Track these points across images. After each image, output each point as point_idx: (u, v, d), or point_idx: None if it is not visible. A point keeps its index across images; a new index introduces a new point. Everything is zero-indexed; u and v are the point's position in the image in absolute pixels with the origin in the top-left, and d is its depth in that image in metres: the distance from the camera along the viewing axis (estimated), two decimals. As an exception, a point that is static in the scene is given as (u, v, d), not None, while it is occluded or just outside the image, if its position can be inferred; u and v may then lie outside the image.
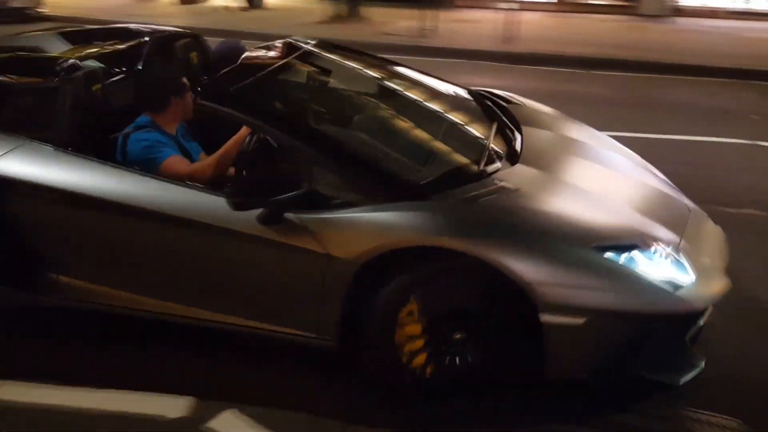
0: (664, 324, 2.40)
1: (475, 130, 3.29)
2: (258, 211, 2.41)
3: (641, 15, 15.74)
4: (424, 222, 2.40)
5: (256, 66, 3.04)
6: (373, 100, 3.50)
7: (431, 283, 2.42)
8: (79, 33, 3.94)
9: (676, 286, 2.36)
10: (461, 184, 2.63)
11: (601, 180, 3.07)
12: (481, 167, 2.77)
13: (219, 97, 2.69)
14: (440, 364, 2.48)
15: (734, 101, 7.77)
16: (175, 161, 2.81)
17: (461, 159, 2.97)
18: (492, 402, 2.51)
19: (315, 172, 2.54)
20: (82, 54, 3.29)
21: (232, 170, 2.84)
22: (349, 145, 2.86)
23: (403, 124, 3.28)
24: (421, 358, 2.47)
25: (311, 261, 2.41)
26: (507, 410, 2.49)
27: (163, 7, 15.57)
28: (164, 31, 3.98)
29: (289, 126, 2.73)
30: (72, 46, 3.58)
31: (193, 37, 3.86)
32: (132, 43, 3.60)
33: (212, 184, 2.69)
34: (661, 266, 2.40)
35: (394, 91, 3.61)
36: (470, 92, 3.83)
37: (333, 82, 3.52)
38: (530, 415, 2.47)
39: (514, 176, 2.76)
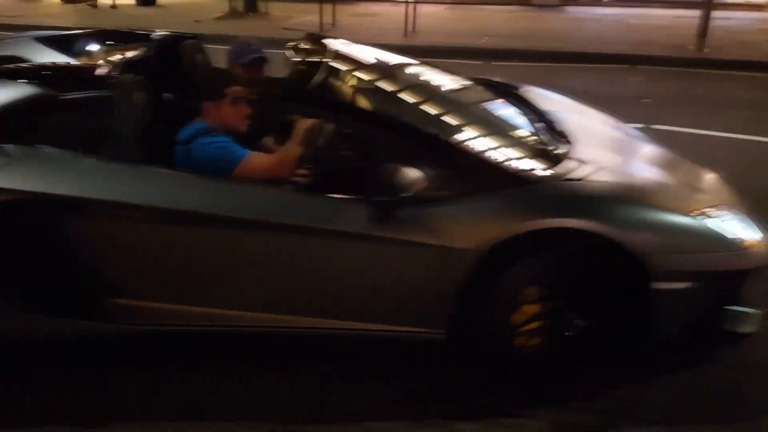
0: (744, 278, 2.54)
1: (524, 116, 3.33)
2: (364, 209, 2.39)
3: (533, 5, 16.26)
4: (542, 205, 2.44)
5: (312, 64, 2.89)
6: (424, 93, 3.34)
7: (551, 264, 2.47)
8: (57, 38, 3.63)
9: (753, 243, 2.54)
10: (551, 167, 2.66)
11: (645, 153, 3.25)
12: (558, 150, 2.85)
13: (301, 97, 2.63)
14: (554, 342, 2.56)
15: (625, 86, 8.14)
16: (258, 156, 2.67)
17: (534, 144, 2.98)
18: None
19: (419, 166, 2.51)
20: (97, 61, 3.04)
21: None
22: (446, 136, 2.77)
23: (462, 114, 3.18)
24: (535, 338, 2.54)
25: (427, 255, 2.38)
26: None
27: (47, 8, 14.65)
28: (146, 34, 3.68)
29: (386, 122, 2.71)
30: (58, 52, 3.33)
31: (196, 39, 3.58)
32: (135, 47, 3.31)
33: (271, 182, 2.60)
34: (737, 226, 2.57)
35: (431, 83, 3.50)
36: (479, 80, 3.86)
37: (375, 78, 3.35)
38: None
39: (585, 155, 2.81)
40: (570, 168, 2.66)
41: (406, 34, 10.88)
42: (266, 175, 2.60)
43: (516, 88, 3.92)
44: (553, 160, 2.75)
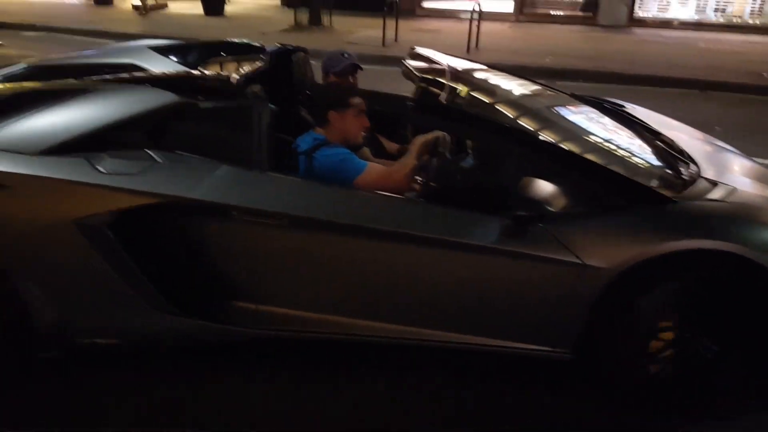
0: None
1: (643, 134, 3.30)
2: (497, 223, 2.38)
3: (599, 25, 15.97)
4: (683, 225, 2.36)
5: (431, 79, 2.98)
6: (547, 110, 3.32)
7: (692, 288, 2.37)
8: (171, 47, 3.78)
9: None
10: (685, 187, 2.63)
11: (762, 174, 3.11)
12: (691, 169, 2.84)
13: (439, 110, 2.69)
14: (685, 368, 2.45)
15: (696, 113, 7.86)
16: (376, 168, 2.73)
17: (664, 163, 2.95)
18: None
19: (555, 181, 2.53)
20: (220, 72, 3.20)
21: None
22: (582, 152, 2.72)
23: (590, 131, 3.11)
24: (666, 364, 2.46)
25: (561, 272, 2.33)
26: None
27: (119, 14, 15.18)
28: (257, 46, 3.82)
29: (523, 137, 2.69)
30: (173, 61, 3.43)
31: (305, 52, 3.69)
32: (250, 59, 3.44)
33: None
34: None
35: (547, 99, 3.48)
36: (587, 99, 3.77)
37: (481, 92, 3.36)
38: None
39: (715, 175, 2.77)
40: (705, 188, 2.63)
41: (468, 50, 10.80)
42: (384, 187, 2.61)
43: (623, 106, 3.83)
44: (686, 179, 2.72)
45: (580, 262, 2.30)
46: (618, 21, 16.15)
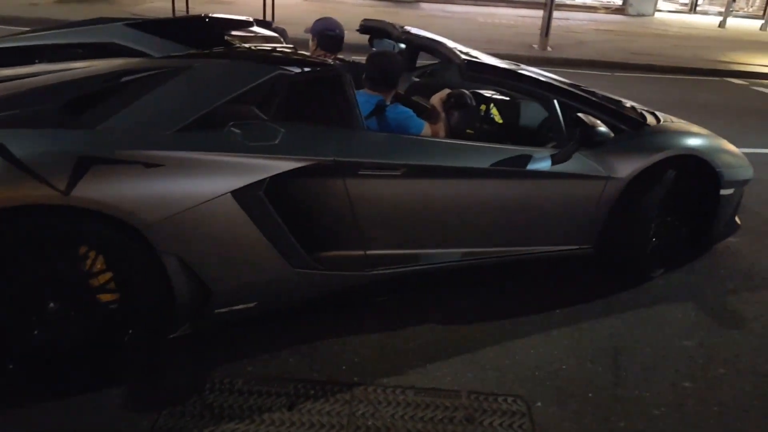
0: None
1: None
2: (546, 153, 2.97)
3: (392, 0, 16.59)
4: (663, 142, 3.27)
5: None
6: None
7: (670, 185, 3.25)
8: (151, 23, 3.38)
9: None
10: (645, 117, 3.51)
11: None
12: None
13: (476, 71, 3.08)
14: (664, 244, 3.41)
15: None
16: (427, 125, 3.07)
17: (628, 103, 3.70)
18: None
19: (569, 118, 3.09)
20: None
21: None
22: (593, 95, 3.42)
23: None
24: (653, 242, 3.37)
25: (595, 184, 3.06)
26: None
27: None
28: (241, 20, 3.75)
29: (543, 85, 3.21)
30: (154, 36, 3.22)
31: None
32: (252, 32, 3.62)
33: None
34: None
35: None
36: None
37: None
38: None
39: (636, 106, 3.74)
40: (657, 117, 3.57)
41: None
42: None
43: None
44: (642, 111, 3.63)
45: (607, 175, 3.05)
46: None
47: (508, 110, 3.62)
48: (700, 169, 3.32)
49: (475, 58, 3.20)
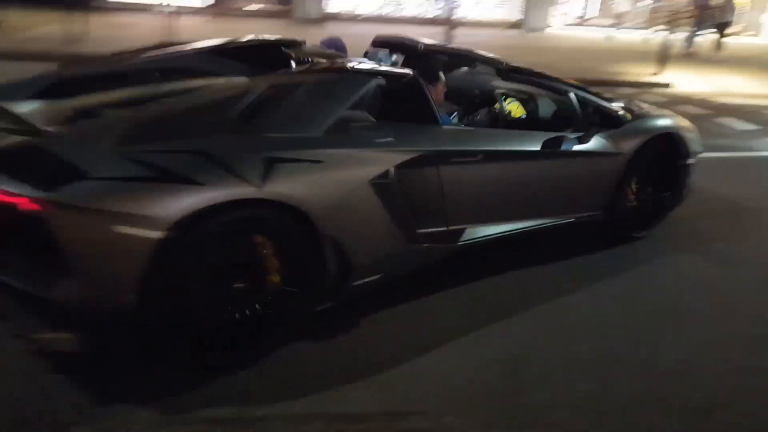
0: None
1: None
2: (572, 137, 3.68)
3: (295, 19, 16.66)
4: (651, 124, 4.16)
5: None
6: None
7: (650, 157, 4.09)
8: (218, 49, 3.62)
9: None
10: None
11: None
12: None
13: (516, 74, 3.80)
14: (644, 205, 4.25)
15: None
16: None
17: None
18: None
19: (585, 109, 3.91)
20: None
21: None
22: (590, 91, 4.08)
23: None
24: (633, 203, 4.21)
25: (610, 160, 3.86)
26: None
27: None
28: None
29: (563, 83, 3.92)
30: (225, 60, 3.52)
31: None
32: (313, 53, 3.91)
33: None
34: None
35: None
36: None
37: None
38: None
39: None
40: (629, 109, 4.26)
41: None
42: None
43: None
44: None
45: (619, 151, 3.85)
46: (311, 15, 17.01)
47: (527, 105, 4.23)
48: (670, 143, 4.17)
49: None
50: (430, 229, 3.13)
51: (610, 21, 20.13)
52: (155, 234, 2.22)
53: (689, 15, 15.22)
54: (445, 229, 3.21)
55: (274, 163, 2.49)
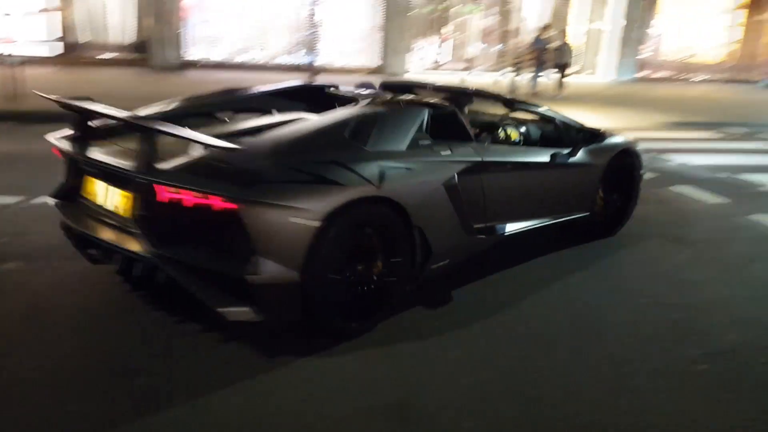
0: None
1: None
2: (564, 152, 4.67)
3: (153, 67, 16.21)
4: (620, 141, 5.23)
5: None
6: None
7: (613, 167, 5.10)
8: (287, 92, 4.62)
9: None
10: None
11: None
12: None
13: (519, 105, 4.88)
14: (607, 210, 5.31)
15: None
16: None
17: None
18: None
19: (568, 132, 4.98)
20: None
21: None
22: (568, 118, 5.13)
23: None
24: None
25: (593, 169, 4.84)
26: None
27: None
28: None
29: (548, 113, 4.91)
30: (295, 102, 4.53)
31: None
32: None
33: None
34: None
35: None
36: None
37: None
38: None
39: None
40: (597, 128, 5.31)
41: (8, 98, 9.82)
42: None
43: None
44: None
45: (596, 163, 4.83)
46: (170, 62, 16.64)
47: (519, 130, 4.99)
48: (629, 157, 5.19)
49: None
50: (478, 225, 3.96)
51: (462, 65, 21.32)
52: (315, 223, 2.92)
53: (531, 58, 16.50)
54: (484, 225, 4.02)
55: (385, 169, 3.27)
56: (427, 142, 3.69)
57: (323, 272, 3.02)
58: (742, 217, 6.18)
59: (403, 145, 3.54)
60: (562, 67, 16.71)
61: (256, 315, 2.88)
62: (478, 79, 19.08)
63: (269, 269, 2.84)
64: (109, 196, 3.18)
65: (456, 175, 3.68)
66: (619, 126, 12.26)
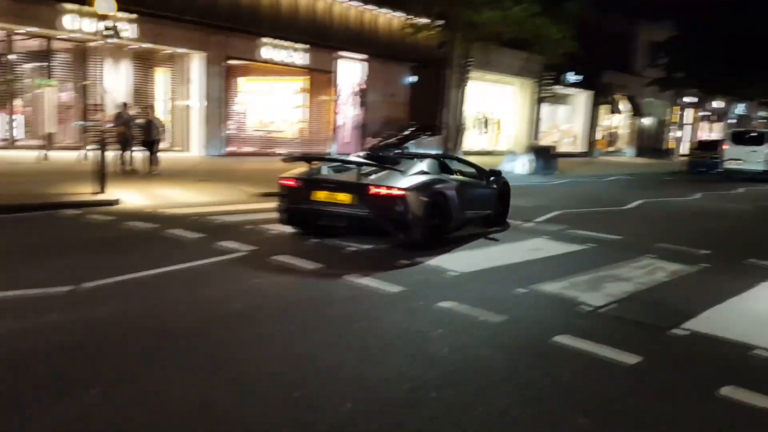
0: None
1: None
2: (484, 181, 10.91)
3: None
4: (501, 175, 11.56)
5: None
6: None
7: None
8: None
9: None
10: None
11: None
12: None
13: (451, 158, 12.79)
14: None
15: None
16: None
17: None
18: None
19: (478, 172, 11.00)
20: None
21: None
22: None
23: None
24: None
25: (494, 190, 10.83)
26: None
27: None
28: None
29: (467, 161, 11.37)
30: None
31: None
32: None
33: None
34: None
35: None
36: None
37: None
38: None
39: None
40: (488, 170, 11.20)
41: None
42: None
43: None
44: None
45: (495, 186, 10.85)
46: None
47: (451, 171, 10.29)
48: (505, 184, 11.09)
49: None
50: (464, 210, 9.29)
51: (39, 142, 19.21)
52: (426, 199, 8.21)
53: (116, 134, 15.87)
54: (465, 211, 9.34)
55: (439, 182, 8.92)
56: (442, 173, 9.29)
57: (429, 219, 8.19)
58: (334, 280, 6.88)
59: (437, 174, 9.06)
60: (150, 144, 16.48)
61: (407, 237, 8.19)
62: (60, 156, 17.51)
63: (412, 218, 7.98)
64: (334, 197, 8.21)
65: (459, 185, 9.21)
66: (215, 200, 12.58)
